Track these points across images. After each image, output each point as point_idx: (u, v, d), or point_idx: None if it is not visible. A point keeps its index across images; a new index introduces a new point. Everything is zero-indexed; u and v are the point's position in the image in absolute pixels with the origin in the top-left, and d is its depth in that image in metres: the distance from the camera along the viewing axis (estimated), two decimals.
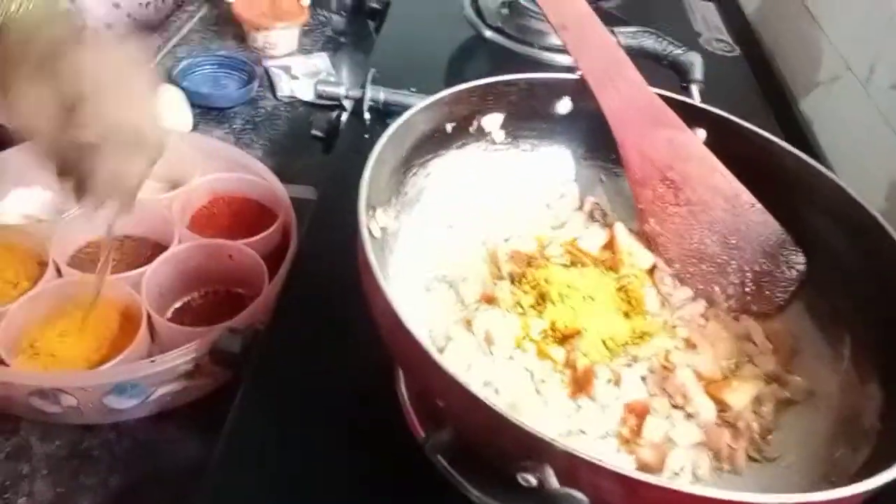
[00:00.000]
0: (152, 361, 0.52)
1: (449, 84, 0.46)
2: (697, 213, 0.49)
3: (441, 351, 0.41)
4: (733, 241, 0.48)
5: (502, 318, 0.43)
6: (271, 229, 0.63)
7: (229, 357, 0.52)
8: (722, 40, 1.00)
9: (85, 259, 0.64)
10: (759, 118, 0.91)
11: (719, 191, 0.48)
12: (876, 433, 0.36)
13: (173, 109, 0.80)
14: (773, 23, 1.02)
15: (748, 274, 0.48)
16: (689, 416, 0.40)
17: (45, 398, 0.51)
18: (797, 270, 0.47)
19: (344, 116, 0.75)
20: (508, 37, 0.90)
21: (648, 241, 0.50)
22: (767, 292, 0.48)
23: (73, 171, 0.42)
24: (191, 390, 0.56)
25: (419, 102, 0.44)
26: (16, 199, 0.66)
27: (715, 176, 0.48)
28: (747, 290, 0.48)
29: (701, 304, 0.48)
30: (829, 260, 0.45)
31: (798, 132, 0.84)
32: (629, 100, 0.48)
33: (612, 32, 0.51)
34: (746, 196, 0.47)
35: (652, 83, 0.50)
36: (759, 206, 0.47)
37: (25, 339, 0.56)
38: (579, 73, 0.49)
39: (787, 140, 0.49)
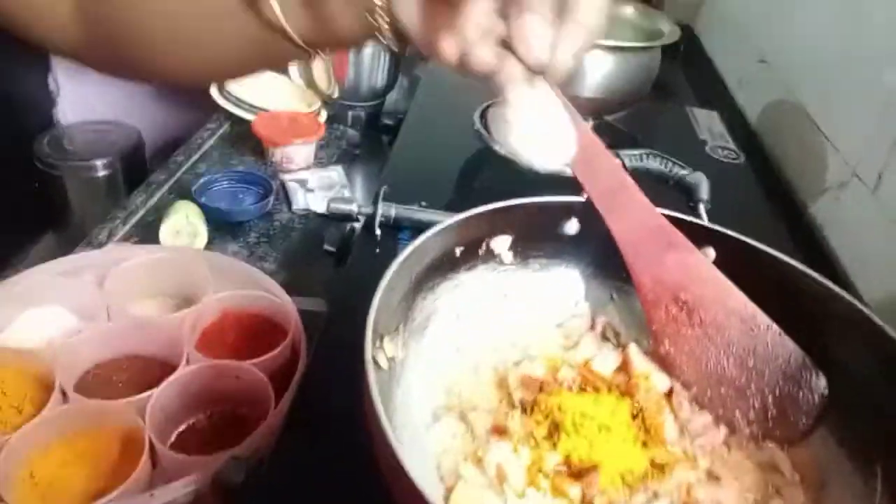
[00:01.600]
0: (151, 496, 0.50)
1: (459, 196, 0.47)
2: (713, 334, 0.47)
3: (450, 490, 0.39)
4: (751, 364, 0.47)
5: (514, 452, 0.42)
6: (279, 349, 0.63)
7: (233, 487, 0.50)
8: (727, 148, 1.02)
9: (93, 381, 0.63)
10: (767, 224, 0.92)
11: (734, 312, 0.47)
12: None
13: (189, 225, 0.82)
14: (777, 131, 1.04)
15: (769, 398, 0.46)
16: None
17: None
18: (820, 394, 0.45)
19: (357, 229, 0.76)
20: None
21: (664, 363, 0.49)
22: (791, 417, 0.46)
23: None
24: None
25: (429, 231, 0.45)
26: (29, 320, 0.67)
27: (728, 297, 0.47)
28: (769, 414, 0.46)
29: (722, 432, 0.46)
30: (854, 386, 0.43)
31: (808, 238, 0.84)
32: (638, 223, 0.48)
33: (617, 155, 0.52)
34: (762, 317, 0.46)
35: (658, 203, 0.51)
36: (775, 327, 0.46)
37: (26, 468, 0.54)
38: (586, 196, 0.50)
39: (797, 246, 0.49)
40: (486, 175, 0.94)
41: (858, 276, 0.74)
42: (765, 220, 0.90)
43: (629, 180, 0.50)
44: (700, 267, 0.48)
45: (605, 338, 0.52)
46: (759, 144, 1.05)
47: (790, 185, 0.95)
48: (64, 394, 0.58)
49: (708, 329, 0.48)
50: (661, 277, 0.48)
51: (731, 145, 1.03)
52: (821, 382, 0.45)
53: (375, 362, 0.39)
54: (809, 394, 0.45)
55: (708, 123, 1.10)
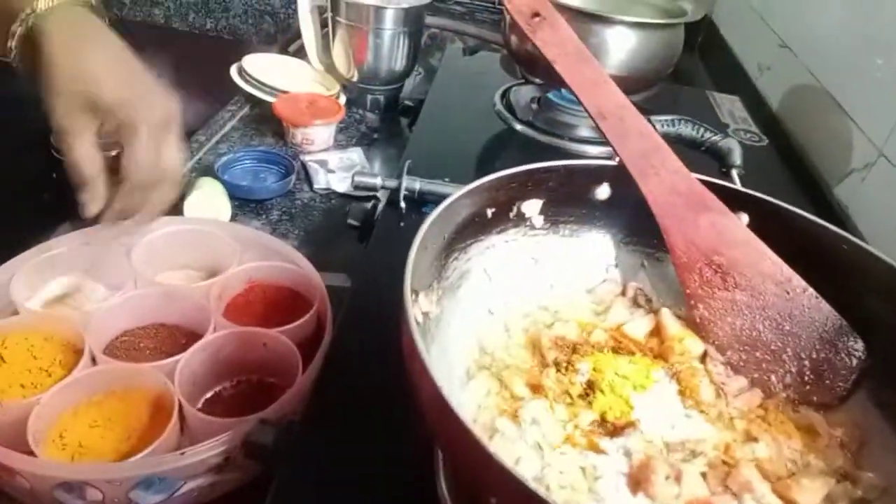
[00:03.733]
0: (182, 454, 0.50)
1: (481, 174, 0.46)
2: (747, 298, 0.47)
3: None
4: (787, 328, 0.46)
5: (550, 409, 0.41)
6: (306, 317, 0.63)
7: (261, 449, 0.50)
8: (750, 131, 1.01)
9: (121, 347, 0.63)
10: (794, 205, 0.91)
11: (769, 275, 0.46)
12: None
13: (213, 201, 0.82)
14: (800, 114, 1.03)
15: (805, 362, 0.46)
16: None
17: (70, 491, 0.49)
18: (857, 358, 0.45)
19: (379, 207, 0.76)
20: (538, 129, 0.93)
21: (697, 328, 0.48)
22: (828, 381, 0.45)
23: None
24: (220, 485, 0.53)
25: (461, 189, 0.45)
26: (58, 288, 0.67)
27: (763, 260, 0.46)
28: (806, 378, 0.45)
29: (758, 395, 0.46)
30: (891, 347, 0.43)
31: (835, 218, 0.83)
32: (671, 186, 0.48)
33: (649, 121, 0.52)
34: (797, 280, 0.46)
35: (690, 169, 0.50)
36: (811, 290, 0.46)
37: (56, 429, 0.55)
38: (618, 159, 0.50)
39: None
40: (508, 154, 0.94)
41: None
42: (789, 201, 0.89)
43: (662, 142, 0.49)
44: (734, 230, 0.47)
45: (636, 304, 0.52)
46: (782, 128, 1.05)
47: (814, 168, 0.94)
48: (93, 358, 0.59)
49: (742, 293, 0.47)
50: (695, 240, 0.48)
51: (754, 128, 1.02)
52: (858, 346, 0.45)
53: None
54: (847, 358, 0.45)
55: (729, 107, 1.09)
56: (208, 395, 0.62)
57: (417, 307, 0.41)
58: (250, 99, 1.12)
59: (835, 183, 0.89)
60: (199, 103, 1.55)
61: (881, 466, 0.41)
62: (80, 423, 0.56)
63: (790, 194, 0.89)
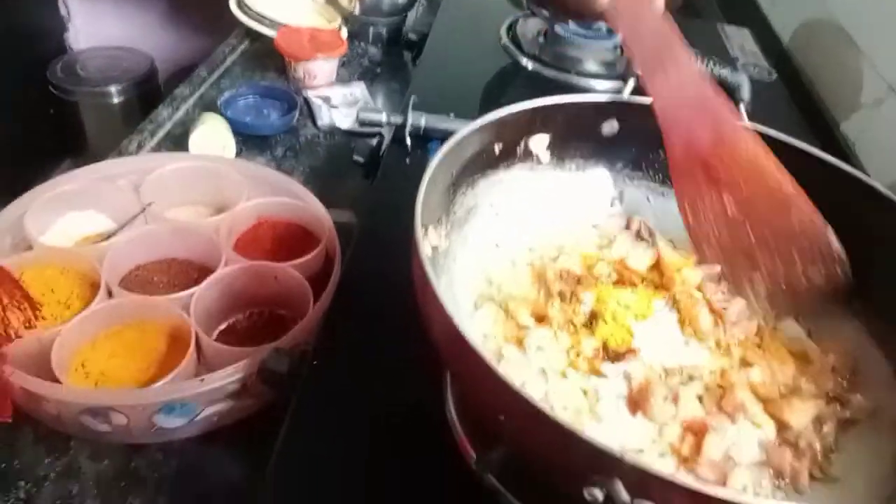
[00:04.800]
0: (201, 380, 0.52)
1: (486, 110, 0.46)
2: (743, 208, 0.47)
3: None
4: (779, 240, 0.47)
5: (554, 337, 0.43)
6: (315, 252, 0.64)
7: (277, 377, 0.52)
8: (759, 66, 1.00)
9: (135, 281, 0.65)
10: (800, 140, 0.91)
11: (765, 184, 0.46)
12: None
13: (218, 137, 0.82)
14: (812, 48, 1.01)
15: (796, 274, 0.46)
16: (750, 435, 0.39)
17: (95, 416, 0.52)
18: (845, 273, 0.45)
19: (385, 143, 0.76)
20: (545, 64, 0.91)
21: (693, 243, 0.49)
22: (815, 294, 0.46)
23: None
24: (236, 410, 0.56)
25: (469, 124, 0.45)
26: (69, 223, 0.68)
27: (762, 168, 0.46)
28: (795, 290, 0.46)
29: (755, 323, 0.47)
30: (887, 280, 0.44)
31: (841, 154, 0.83)
32: (678, 86, 0.46)
33: None
34: (792, 189, 0.46)
35: None
36: (806, 203, 0.46)
37: (77, 359, 0.57)
38: (630, 84, 0.49)
39: None
40: (513, 89, 0.93)
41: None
42: (797, 135, 0.89)
43: (678, 41, 0.47)
44: (736, 133, 0.47)
45: (639, 237, 0.53)
46: (793, 63, 1.03)
47: (823, 103, 0.93)
48: (110, 292, 0.60)
49: (738, 203, 0.47)
50: (695, 143, 0.46)
51: (764, 63, 1.01)
52: (845, 263, 0.45)
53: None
54: (834, 270, 0.45)
55: (740, 41, 1.07)
56: (222, 326, 0.64)
57: (427, 241, 0.42)
58: (250, 33, 1.10)
59: (843, 119, 0.88)
60: (196, 38, 1.53)
61: (872, 391, 0.43)
62: (100, 353, 0.58)
63: (796, 129, 0.88)
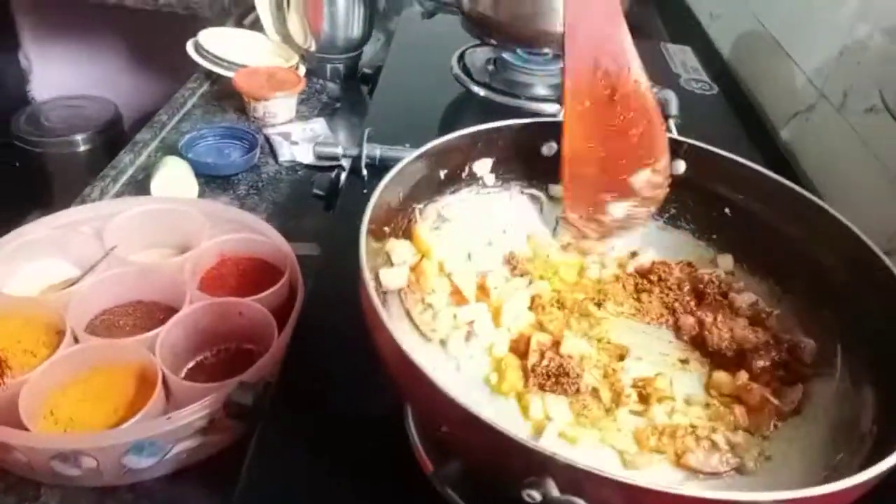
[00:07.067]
0: (168, 418, 0.53)
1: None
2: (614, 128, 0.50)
3: None
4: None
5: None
6: (279, 285, 0.65)
7: (242, 410, 0.53)
8: (700, 80, 1.04)
9: (102, 326, 0.66)
10: (741, 149, 0.95)
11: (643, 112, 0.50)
12: (872, 437, 0.37)
13: (180, 179, 0.84)
14: (749, 61, 1.07)
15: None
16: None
17: (65, 461, 0.52)
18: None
19: (343, 175, 0.79)
20: (495, 91, 0.95)
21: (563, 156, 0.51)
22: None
23: None
24: (206, 446, 0.57)
25: (410, 154, 0.47)
26: (34, 272, 0.69)
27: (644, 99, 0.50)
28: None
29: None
30: (814, 275, 0.47)
31: (781, 160, 0.87)
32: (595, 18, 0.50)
33: None
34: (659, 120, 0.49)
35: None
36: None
37: (45, 407, 0.58)
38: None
39: (771, 166, 0.52)
40: (467, 117, 0.96)
41: (827, 191, 0.78)
42: (739, 147, 0.93)
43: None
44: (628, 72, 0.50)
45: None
46: (733, 75, 1.08)
47: (763, 113, 0.98)
48: (76, 338, 0.61)
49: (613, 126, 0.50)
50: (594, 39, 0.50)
51: (705, 77, 1.05)
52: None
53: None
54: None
55: (682, 58, 1.12)
56: (190, 364, 0.65)
57: (374, 279, 0.44)
58: (209, 75, 1.12)
59: (781, 126, 0.93)
60: (159, 82, 1.55)
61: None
62: (69, 399, 0.59)
63: (738, 139, 0.93)
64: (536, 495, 0.29)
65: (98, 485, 0.55)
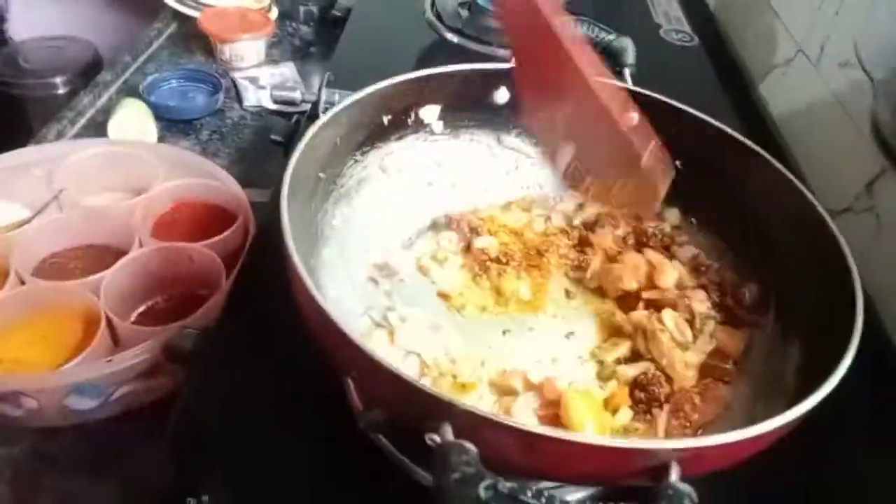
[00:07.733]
0: (109, 360, 0.53)
1: None
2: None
3: None
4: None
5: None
6: (230, 230, 0.65)
7: (183, 354, 0.53)
8: (681, 31, 1.01)
9: (50, 269, 0.65)
10: (717, 103, 0.93)
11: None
12: (793, 389, 0.37)
13: (138, 122, 0.82)
14: (733, 12, 1.04)
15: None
16: None
17: (6, 402, 0.52)
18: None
19: (303, 122, 0.77)
20: (468, 37, 0.92)
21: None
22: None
23: None
24: (151, 390, 0.57)
25: (348, 98, 0.46)
26: None
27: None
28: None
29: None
30: (758, 232, 0.47)
31: (755, 114, 0.86)
32: None
33: None
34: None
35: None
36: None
37: None
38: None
39: (744, 121, 0.51)
40: (437, 65, 0.93)
41: (798, 146, 0.77)
42: (714, 99, 0.91)
43: None
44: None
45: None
46: (715, 27, 1.05)
47: (742, 66, 0.95)
48: (22, 281, 0.60)
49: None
50: None
51: (686, 28, 1.02)
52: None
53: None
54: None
55: (665, 8, 1.08)
56: (141, 309, 0.65)
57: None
58: (177, 15, 1.08)
59: (759, 80, 0.91)
60: (140, 24, 1.50)
61: None
62: (14, 341, 0.58)
63: (714, 92, 0.90)
64: (437, 438, 0.29)
65: (41, 425, 0.55)
